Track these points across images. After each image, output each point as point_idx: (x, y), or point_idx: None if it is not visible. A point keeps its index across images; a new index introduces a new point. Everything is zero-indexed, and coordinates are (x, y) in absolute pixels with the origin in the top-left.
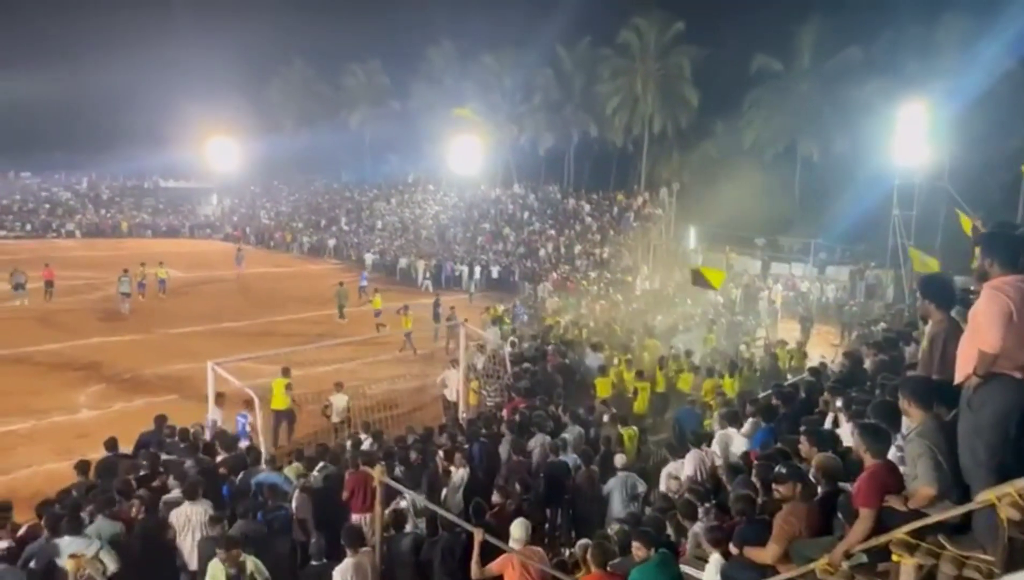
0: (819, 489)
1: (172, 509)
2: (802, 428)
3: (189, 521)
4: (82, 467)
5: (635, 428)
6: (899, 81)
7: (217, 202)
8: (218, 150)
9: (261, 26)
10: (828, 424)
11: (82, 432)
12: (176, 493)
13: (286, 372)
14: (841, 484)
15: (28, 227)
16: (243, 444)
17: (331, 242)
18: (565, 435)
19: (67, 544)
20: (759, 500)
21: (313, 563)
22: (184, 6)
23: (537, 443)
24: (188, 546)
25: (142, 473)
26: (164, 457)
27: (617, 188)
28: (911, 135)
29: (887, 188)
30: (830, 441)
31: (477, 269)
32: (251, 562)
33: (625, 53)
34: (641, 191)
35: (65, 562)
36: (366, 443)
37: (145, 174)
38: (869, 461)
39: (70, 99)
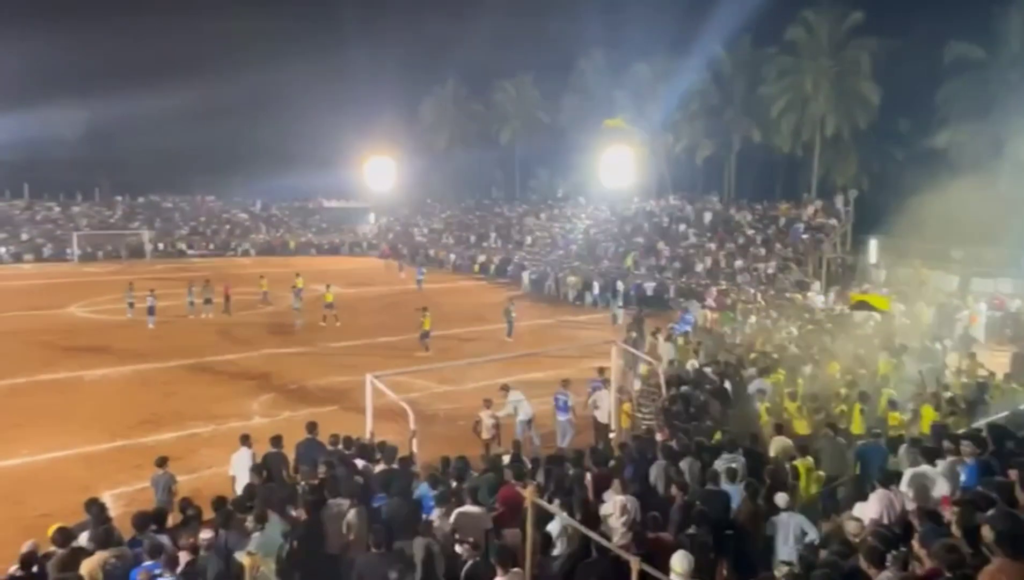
0: None
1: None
2: (1014, 471)
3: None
4: (257, 469)
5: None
6: None
7: (374, 221)
8: (375, 171)
9: (416, 48)
10: None
11: (255, 438)
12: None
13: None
14: None
15: (211, 246)
16: (561, 418)
17: (481, 258)
18: (721, 463)
19: (247, 542)
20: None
21: None
22: (345, 38)
23: (686, 470)
24: None
25: (315, 480)
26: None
27: (783, 198)
28: None
29: None
30: None
31: (620, 285)
32: None
33: (792, 51)
34: (812, 200)
35: (243, 559)
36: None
37: (310, 195)
38: None
39: (248, 127)
